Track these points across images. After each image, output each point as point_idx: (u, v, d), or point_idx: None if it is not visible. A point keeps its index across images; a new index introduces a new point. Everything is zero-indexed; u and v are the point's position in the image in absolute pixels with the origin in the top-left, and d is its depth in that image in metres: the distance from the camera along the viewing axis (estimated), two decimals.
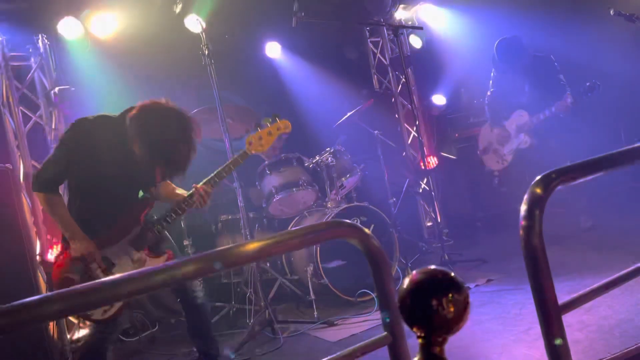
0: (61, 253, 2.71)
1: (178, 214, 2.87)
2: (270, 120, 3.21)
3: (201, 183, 2.94)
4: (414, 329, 0.74)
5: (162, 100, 2.69)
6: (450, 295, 0.73)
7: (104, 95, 3.08)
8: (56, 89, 4.40)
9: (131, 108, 2.69)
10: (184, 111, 2.70)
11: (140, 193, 2.93)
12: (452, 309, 0.72)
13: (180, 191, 3.02)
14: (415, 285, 0.75)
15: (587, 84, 4.53)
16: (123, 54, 4.86)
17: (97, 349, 2.79)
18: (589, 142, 4.66)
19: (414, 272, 0.76)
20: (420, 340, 0.73)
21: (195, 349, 3.12)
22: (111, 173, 2.69)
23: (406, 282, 0.76)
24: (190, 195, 2.91)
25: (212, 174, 2.99)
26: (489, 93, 5.43)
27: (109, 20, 4.65)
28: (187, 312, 2.97)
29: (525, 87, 5.10)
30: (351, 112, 5.21)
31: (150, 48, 4.93)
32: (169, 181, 3.02)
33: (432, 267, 0.77)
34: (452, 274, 0.76)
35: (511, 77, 5.18)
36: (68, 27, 4.55)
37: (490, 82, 5.42)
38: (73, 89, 4.41)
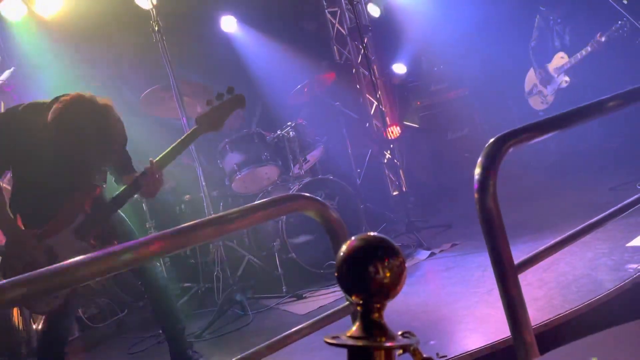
0: None
1: (124, 199, 2.71)
2: (224, 95, 3.01)
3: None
4: (353, 297, 0.73)
5: (78, 97, 2.54)
6: (386, 260, 0.72)
7: (54, 78, 2.96)
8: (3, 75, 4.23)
9: (60, 97, 2.56)
10: (99, 102, 2.56)
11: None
12: (388, 274, 0.72)
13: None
14: (350, 253, 0.73)
15: (619, 22, 4.85)
16: (71, 34, 4.68)
17: (52, 339, 2.73)
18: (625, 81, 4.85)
19: (350, 240, 0.75)
20: (359, 308, 0.72)
21: (161, 331, 3.09)
22: (48, 159, 2.58)
23: (341, 250, 0.75)
24: (141, 176, 2.70)
25: (161, 157, 2.78)
26: (533, 39, 5.80)
27: None
28: (149, 294, 2.92)
29: (566, 29, 5.51)
30: (308, 82, 5.16)
31: (99, 26, 4.76)
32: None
33: (369, 233, 0.75)
34: (388, 239, 0.75)
35: (554, 20, 5.60)
36: (11, 9, 4.35)
37: (535, 27, 5.78)
38: (13, 67, 4.23)
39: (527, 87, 6.04)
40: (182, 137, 2.87)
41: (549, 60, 5.63)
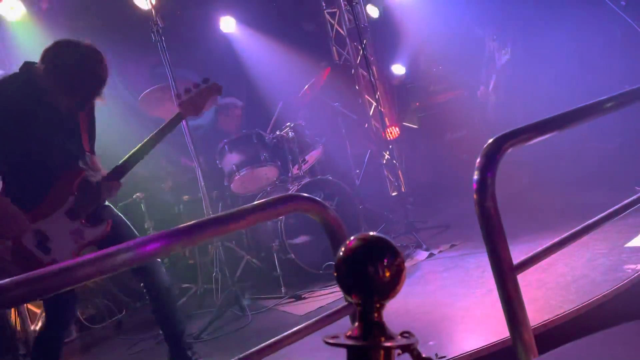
0: None
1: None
2: (200, 84, 3.07)
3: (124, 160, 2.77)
4: (352, 297, 0.73)
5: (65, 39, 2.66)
6: (385, 260, 0.72)
7: None
8: None
9: (29, 62, 2.64)
10: (88, 44, 2.67)
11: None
12: (387, 274, 0.72)
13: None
14: (350, 252, 0.74)
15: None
16: (69, 34, 4.66)
17: (50, 335, 2.71)
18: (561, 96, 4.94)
19: (349, 239, 0.75)
20: (358, 308, 0.73)
21: (161, 332, 3.08)
22: (32, 136, 2.57)
23: (341, 250, 0.75)
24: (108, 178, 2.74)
25: (145, 142, 2.83)
26: (485, 58, 6.07)
27: None
28: (151, 296, 2.90)
29: (508, 45, 5.70)
30: (310, 83, 5.16)
31: (98, 26, 4.77)
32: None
33: (369, 233, 0.76)
34: (387, 239, 0.75)
35: (492, 40, 5.83)
36: (8, 8, 4.36)
37: (486, 49, 6.06)
38: (2, 72, 4.22)
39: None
40: (165, 123, 2.88)
41: (491, 77, 5.95)
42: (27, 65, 2.63)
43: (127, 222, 2.91)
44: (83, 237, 2.63)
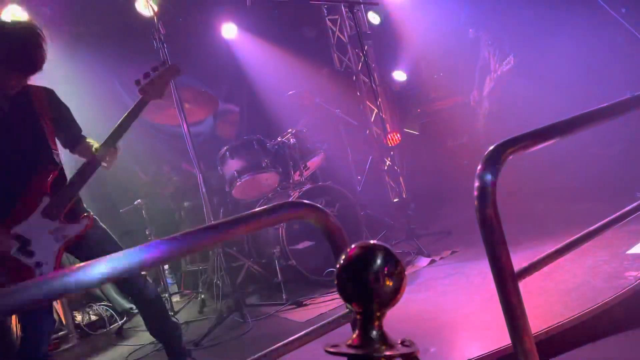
0: None
1: (82, 178, 2.66)
2: (159, 67, 2.98)
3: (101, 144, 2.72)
4: (353, 305, 0.73)
5: None
6: (386, 269, 0.72)
7: (53, 83, 2.97)
8: None
9: None
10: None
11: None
12: (388, 283, 0.72)
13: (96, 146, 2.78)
14: (350, 261, 0.73)
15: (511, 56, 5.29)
16: (72, 40, 4.70)
17: (29, 351, 2.70)
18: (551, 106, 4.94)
19: (350, 248, 0.75)
20: (358, 316, 0.72)
21: (157, 341, 3.06)
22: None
23: (341, 258, 0.75)
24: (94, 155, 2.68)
25: (113, 131, 2.75)
26: (480, 60, 6.00)
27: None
28: (140, 307, 2.88)
29: (506, 50, 5.62)
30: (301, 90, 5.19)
31: (101, 33, 4.79)
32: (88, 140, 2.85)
33: (369, 241, 0.75)
34: (388, 247, 0.75)
35: (488, 43, 5.78)
36: (12, 16, 4.37)
37: (481, 49, 6.01)
38: None
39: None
40: (130, 110, 2.82)
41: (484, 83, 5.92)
42: None
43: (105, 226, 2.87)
44: (65, 235, 2.59)
